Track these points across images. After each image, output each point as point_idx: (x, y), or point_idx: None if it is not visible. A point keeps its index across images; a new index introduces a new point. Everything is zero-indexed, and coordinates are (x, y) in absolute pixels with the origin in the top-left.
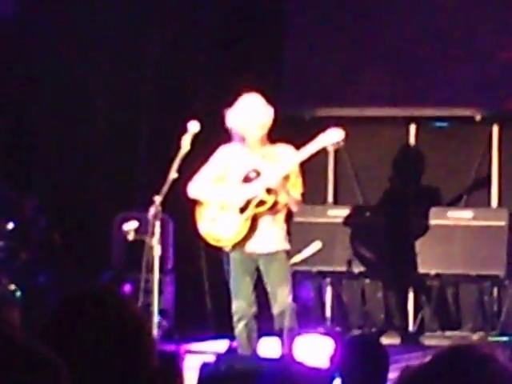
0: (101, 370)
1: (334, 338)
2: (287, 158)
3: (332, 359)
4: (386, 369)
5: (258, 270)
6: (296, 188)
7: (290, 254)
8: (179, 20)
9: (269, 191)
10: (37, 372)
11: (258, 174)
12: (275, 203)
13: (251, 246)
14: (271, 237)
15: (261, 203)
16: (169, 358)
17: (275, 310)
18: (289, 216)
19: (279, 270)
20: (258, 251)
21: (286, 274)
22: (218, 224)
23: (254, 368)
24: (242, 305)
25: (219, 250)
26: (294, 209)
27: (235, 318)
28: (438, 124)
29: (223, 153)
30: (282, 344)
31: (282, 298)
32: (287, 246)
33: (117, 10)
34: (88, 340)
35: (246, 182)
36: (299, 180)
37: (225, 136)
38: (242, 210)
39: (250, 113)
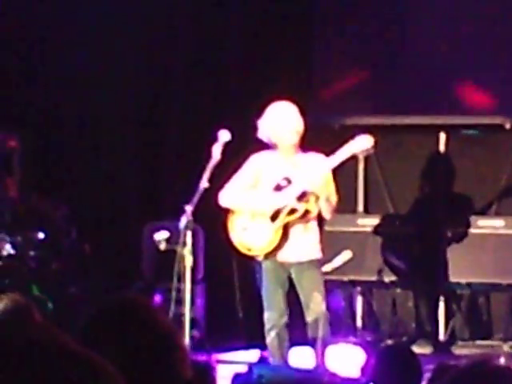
0: (133, 383)
1: (365, 348)
2: (318, 166)
3: (363, 369)
4: (419, 378)
5: (290, 278)
6: (331, 196)
7: (321, 263)
8: (208, 29)
9: (300, 199)
10: (97, 381)
11: (289, 182)
12: (306, 211)
13: (283, 255)
14: (303, 246)
15: (292, 211)
16: (203, 368)
17: (309, 318)
18: (320, 225)
19: (312, 278)
20: (291, 260)
21: (319, 282)
22: (249, 233)
23: (285, 378)
24: (273, 314)
25: (251, 259)
26: (328, 216)
27: (267, 327)
28: (470, 132)
29: (255, 161)
30: (315, 353)
31: (315, 306)
32: (320, 255)
33: (142, 19)
34: (118, 353)
35: (277, 190)
36: (333, 188)
37: (255, 145)
38: (274, 218)
39: (286, 119)
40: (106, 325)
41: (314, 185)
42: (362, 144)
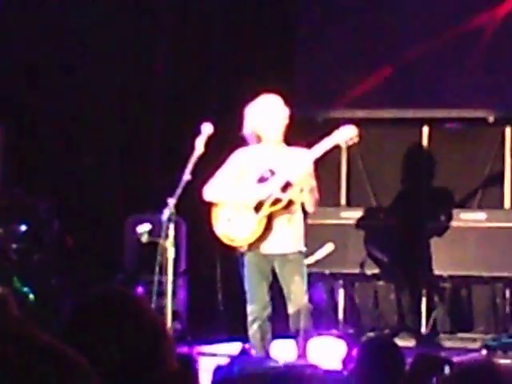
0: (119, 375)
1: (347, 341)
2: (302, 157)
3: (345, 362)
4: (401, 371)
5: (273, 271)
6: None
7: (303, 256)
8: (192, 21)
9: (283, 190)
10: (68, 377)
11: (273, 173)
12: (290, 202)
13: (266, 247)
14: (287, 238)
15: (276, 202)
16: (184, 361)
17: (290, 310)
18: (303, 218)
19: (294, 270)
20: (274, 252)
21: (301, 274)
22: (233, 224)
23: (267, 370)
24: (256, 307)
25: (235, 250)
26: (311, 209)
27: (249, 320)
28: (453, 125)
29: (239, 155)
30: (297, 345)
31: (297, 298)
32: (303, 248)
33: (127, 12)
34: (104, 344)
35: (261, 181)
36: (315, 182)
37: (239, 138)
38: (257, 209)
39: (275, 109)
40: (92, 316)
41: (298, 175)
42: (345, 134)
